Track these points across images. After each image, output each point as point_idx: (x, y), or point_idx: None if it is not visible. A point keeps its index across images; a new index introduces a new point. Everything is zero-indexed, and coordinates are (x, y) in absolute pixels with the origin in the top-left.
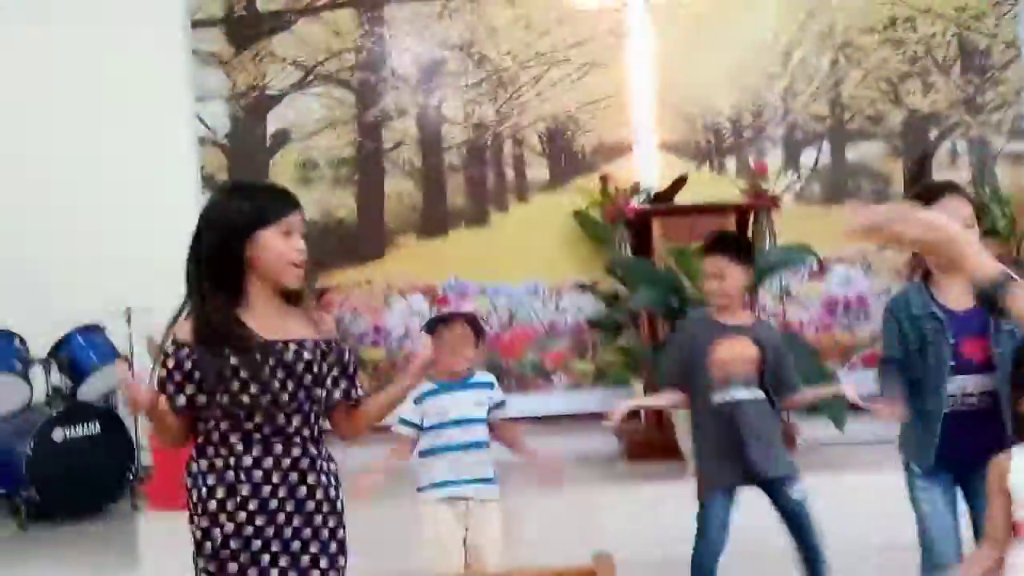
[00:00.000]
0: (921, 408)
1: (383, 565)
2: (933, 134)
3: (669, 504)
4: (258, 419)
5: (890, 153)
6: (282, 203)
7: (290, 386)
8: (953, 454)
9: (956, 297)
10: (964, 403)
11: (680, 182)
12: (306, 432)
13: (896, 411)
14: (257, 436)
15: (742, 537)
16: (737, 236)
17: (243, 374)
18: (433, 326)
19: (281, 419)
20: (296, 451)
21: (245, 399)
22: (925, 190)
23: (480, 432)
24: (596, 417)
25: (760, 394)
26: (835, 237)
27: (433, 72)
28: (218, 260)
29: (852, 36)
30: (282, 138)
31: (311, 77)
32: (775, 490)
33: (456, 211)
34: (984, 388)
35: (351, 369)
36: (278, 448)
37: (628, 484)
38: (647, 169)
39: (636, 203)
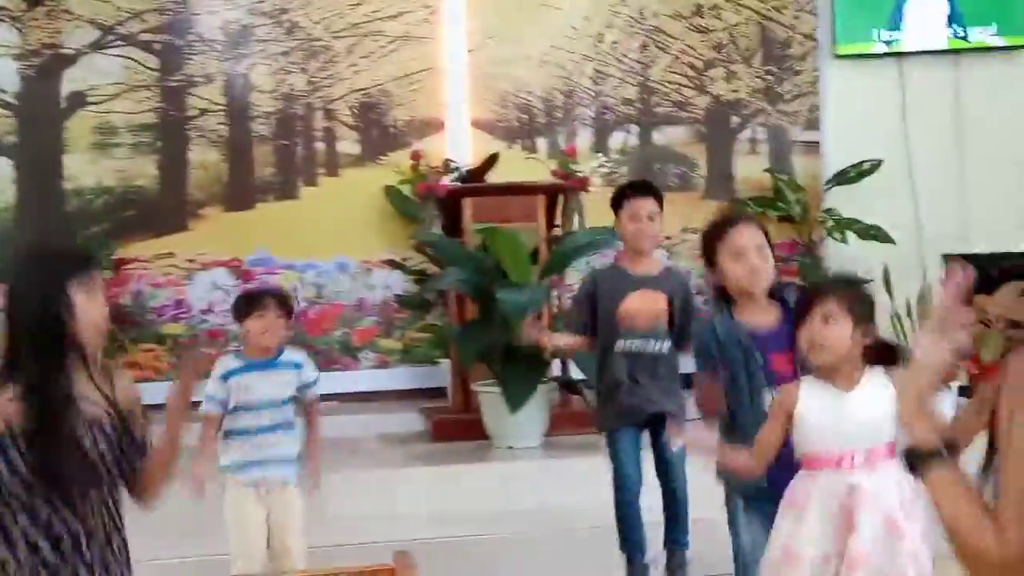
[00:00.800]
0: (740, 426)
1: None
2: (735, 121)
3: (473, 484)
4: None
5: (694, 138)
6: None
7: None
8: (772, 469)
9: (758, 317)
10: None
11: (491, 160)
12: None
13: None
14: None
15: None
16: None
17: None
18: (242, 304)
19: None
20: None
21: None
22: (720, 221)
23: (285, 413)
24: (402, 395)
25: (664, 346)
26: None
27: (241, 38)
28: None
29: (661, 22)
30: (77, 101)
31: (110, 37)
32: (660, 433)
33: (264, 183)
34: None
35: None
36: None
37: (433, 463)
38: (459, 146)
39: (448, 181)
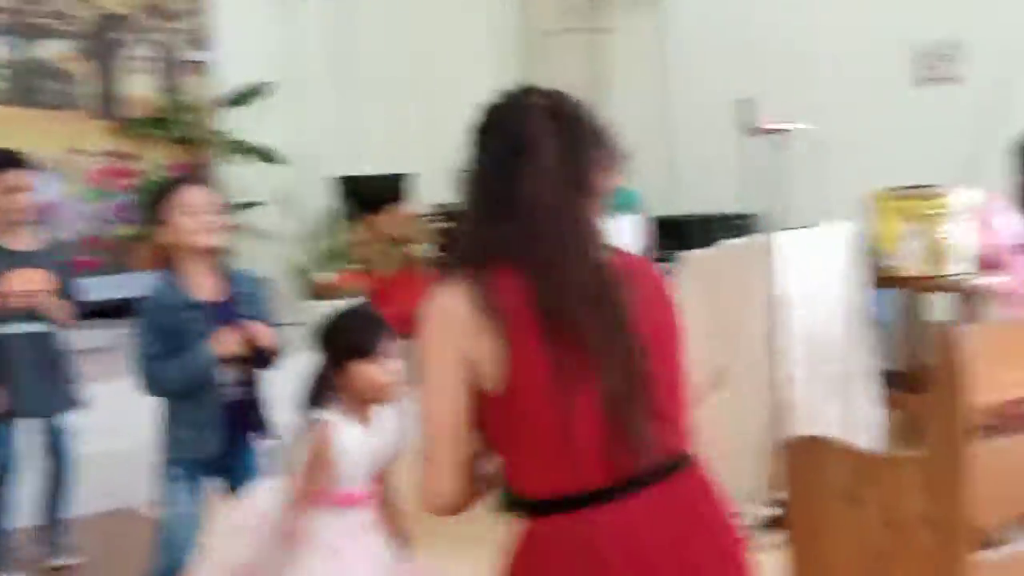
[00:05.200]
0: (195, 403)
1: None
2: (121, 37)
3: None
4: None
5: (78, 52)
6: None
7: None
8: (206, 446)
9: (205, 288)
10: (226, 393)
11: None
12: None
13: None
14: None
15: None
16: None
17: None
18: None
19: None
20: None
21: None
22: (165, 185)
23: None
24: None
25: (45, 327)
26: (22, 138)
27: None
28: None
29: None
30: None
31: None
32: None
33: None
34: (242, 378)
35: None
36: None
37: None
38: None
39: None
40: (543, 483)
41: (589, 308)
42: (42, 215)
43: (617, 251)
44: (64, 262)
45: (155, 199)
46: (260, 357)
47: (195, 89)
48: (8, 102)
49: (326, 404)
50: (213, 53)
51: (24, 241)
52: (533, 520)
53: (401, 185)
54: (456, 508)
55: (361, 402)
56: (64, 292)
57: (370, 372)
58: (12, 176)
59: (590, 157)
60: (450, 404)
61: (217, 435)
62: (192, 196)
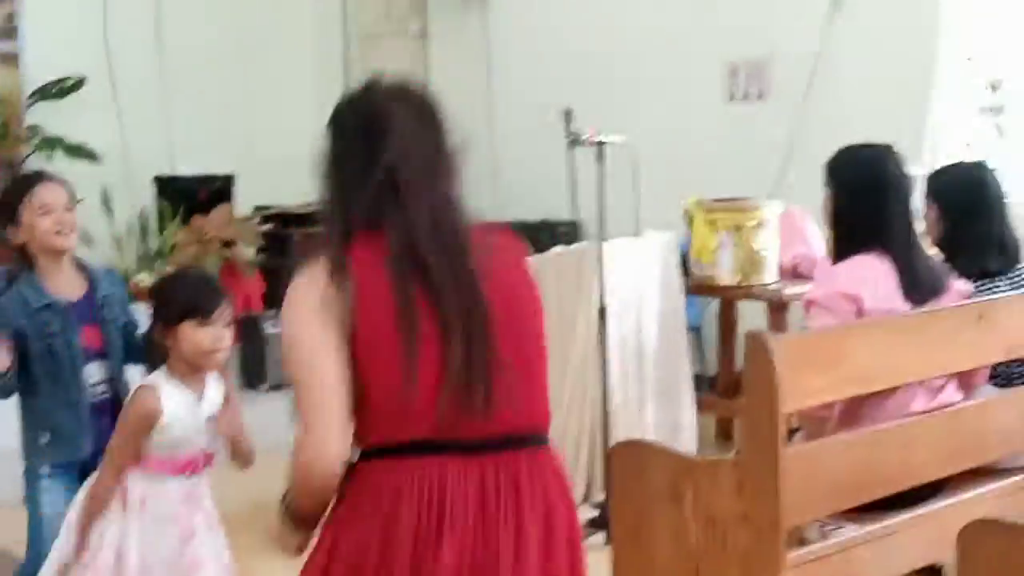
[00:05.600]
0: (61, 405)
1: None
2: None
3: None
4: None
5: None
6: None
7: None
8: (74, 449)
9: (65, 288)
10: (93, 393)
11: None
12: None
13: None
14: None
15: None
16: None
17: None
18: None
19: None
20: None
21: None
22: (18, 184)
23: None
24: None
25: None
26: None
27: None
28: None
29: None
30: None
31: None
32: None
33: None
34: (103, 376)
35: None
36: None
37: None
38: None
39: None
40: (378, 431)
41: (439, 263)
42: None
43: (481, 224)
44: None
45: (7, 198)
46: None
47: (4, 81)
48: None
49: (155, 367)
50: (22, 43)
51: None
52: (360, 463)
53: (222, 186)
54: (338, 472)
55: (189, 367)
56: None
57: (199, 335)
58: None
59: (444, 132)
60: (331, 366)
61: (89, 437)
62: (48, 194)
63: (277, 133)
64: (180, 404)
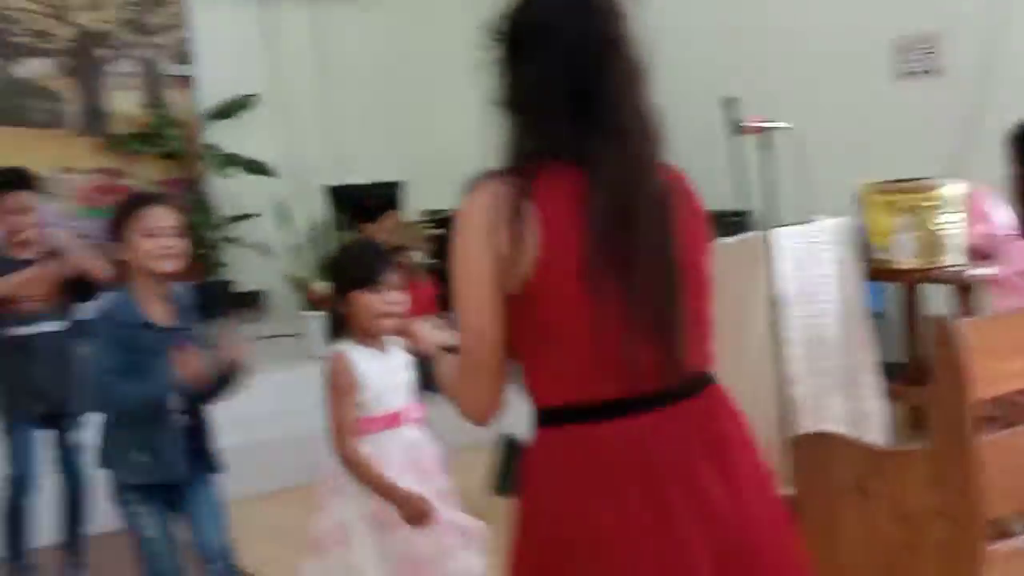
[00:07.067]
0: (150, 425)
1: None
2: (103, 54)
3: None
4: None
5: (61, 71)
6: None
7: None
8: (170, 470)
9: (157, 312)
10: (176, 418)
11: None
12: None
13: None
14: None
15: None
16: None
17: None
18: None
19: None
20: None
21: None
22: (128, 203)
23: None
24: None
25: (60, 325)
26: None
27: None
28: None
29: None
30: None
31: None
32: (64, 427)
33: None
34: (191, 406)
35: None
36: None
37: None
38: None
39: None
40: (561, 391)
41: (640, 211)
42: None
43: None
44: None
45: (118, 215)
46: (216, 385)
47: (180, 103)
48: None
49: (340, 337)
50: (196, 67)
51: (32, 251)
52: (548, 429)
53: (392, 193)
54: (494, 414)
55: (367, 332)
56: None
57: (370, 301)
58: (17, 197)
59: (640, 58)
60: (489, 310)
61: (180, 459)
62: (154, 218)
63: (442, 138)
64: (367, 364)
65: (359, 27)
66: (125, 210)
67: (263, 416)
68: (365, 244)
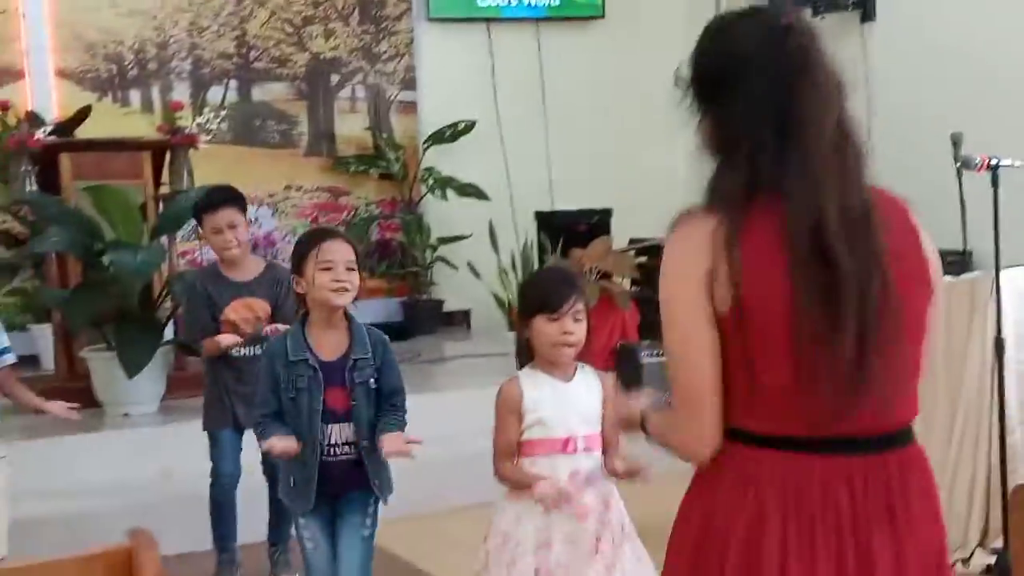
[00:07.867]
0: (297, 457)
1: None
2: (334, 79)
3: (85, 456)
4: None
5: (295, 94)
6: None
7: None
8: (327, 499)
9: (326, 346)
10: (333, 453)
11: (83, 113)
12: None
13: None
14: None
15: None
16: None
17: None
18: None
19: None
20: None
21: None
22: (308, 236)
23: None
24: None
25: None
26: (245, 176)
27: None
28: None
29: None
30: None
31: None
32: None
33: None
34: (347, 439)
35: None
36: None
37: (43, 436)
38: (43, 97)
39: (41, 135)
40: (741, 416)
41: (846, 249)
42: (259, 246)
43: (872, 185)
44: (282, 289)
45: (299, 249)
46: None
47: (402, 127)
48: (234, 141)
49: (526, 361)
50: (419, 92)
51: (244, 272)
52: (746, 448)
53: (600, 219)
54: (714, 450)
55: (547, 360)
56: (282, 316)
57: (546, 328)
58: (226, 214)
59: (843, 86)
60: (706, 345)
61: (310, 494)
62: (332, 251)
63: (651, 169)
64: (544, 388)
65: (581, 54)
66: (305, 244)
67: (465, 432)
68: (553, 271)
